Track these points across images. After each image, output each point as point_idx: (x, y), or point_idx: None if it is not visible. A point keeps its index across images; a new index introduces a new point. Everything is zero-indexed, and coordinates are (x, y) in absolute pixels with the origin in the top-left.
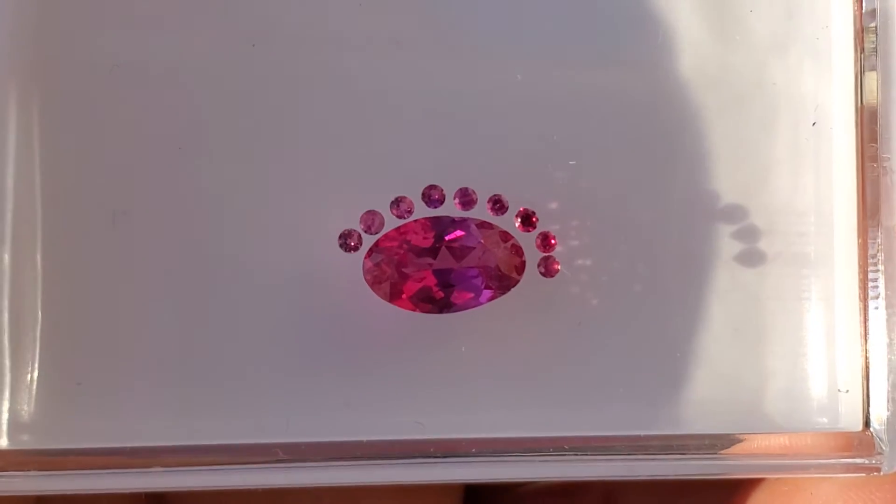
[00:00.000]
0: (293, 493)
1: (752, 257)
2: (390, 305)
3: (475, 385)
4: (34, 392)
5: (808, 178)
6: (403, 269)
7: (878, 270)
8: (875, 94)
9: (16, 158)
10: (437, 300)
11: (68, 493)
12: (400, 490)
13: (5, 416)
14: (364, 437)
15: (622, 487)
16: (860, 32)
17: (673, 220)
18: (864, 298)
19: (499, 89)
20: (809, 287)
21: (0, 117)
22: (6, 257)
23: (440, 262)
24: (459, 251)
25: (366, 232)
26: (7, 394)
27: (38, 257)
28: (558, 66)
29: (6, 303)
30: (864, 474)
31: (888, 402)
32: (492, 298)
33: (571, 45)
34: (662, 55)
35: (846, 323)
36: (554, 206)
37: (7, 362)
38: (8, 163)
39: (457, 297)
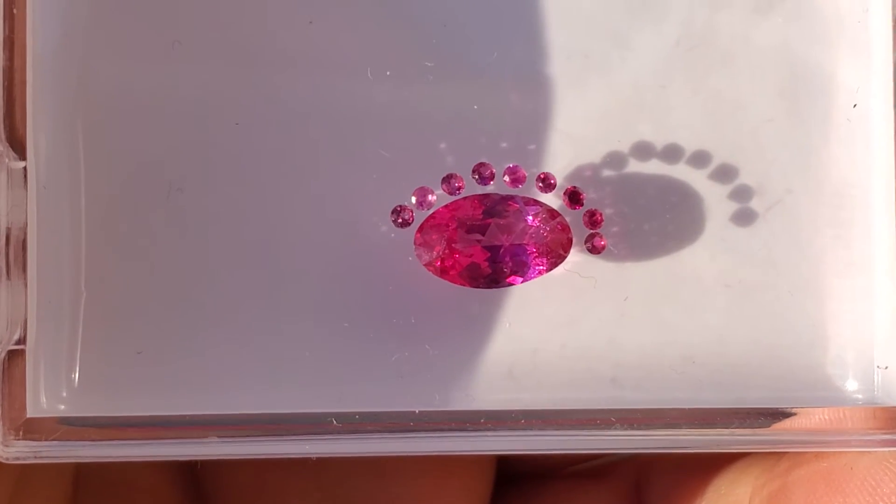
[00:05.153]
0: (326, 471)
1: (788, 228)
2: (440, 280)
3: (524, 359)
4: (95, 360)
5: (850, 153)
6: (453, 245)
7: None
8: None
9: (59, 135)
10: (486, 276)
11: (124, 460)
12: (431, 472)
13: (63, 384)
14: (416, 408)
15: (651, 471)
16: None
17: (697, 188)
18: None
19: (544, 71)
20: (851, 264)
21: (56, 84)
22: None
23: (489, 239)
24: (508, 228)
25: (417, 208)
26: (65, 362)
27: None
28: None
29: (69, 272)
30: None
31: None
32: (539, 274)
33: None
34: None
35: (885, 300)
36: (588, 173)
37: (66, 331)
38: (55, 138)
39: (505, 273)
